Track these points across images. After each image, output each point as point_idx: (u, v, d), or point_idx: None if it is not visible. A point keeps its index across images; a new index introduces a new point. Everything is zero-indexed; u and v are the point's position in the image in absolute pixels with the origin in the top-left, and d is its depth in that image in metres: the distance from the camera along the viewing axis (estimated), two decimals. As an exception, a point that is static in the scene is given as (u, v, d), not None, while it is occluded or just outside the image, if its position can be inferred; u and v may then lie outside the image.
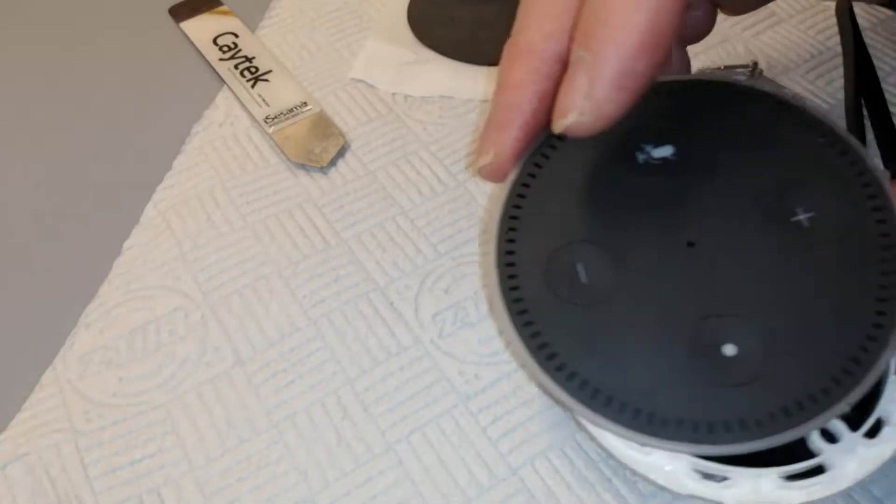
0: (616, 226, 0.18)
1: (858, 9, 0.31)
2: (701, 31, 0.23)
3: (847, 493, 0.20)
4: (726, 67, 0.31)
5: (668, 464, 0.17)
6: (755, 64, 0.30)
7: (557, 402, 0.21)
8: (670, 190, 0.18)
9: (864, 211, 0.17)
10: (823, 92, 0.29)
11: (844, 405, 0.16)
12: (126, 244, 0.27)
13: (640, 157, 0.19)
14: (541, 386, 0.22)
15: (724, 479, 0.17)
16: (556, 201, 0.19)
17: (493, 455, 0.21)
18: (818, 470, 0.17)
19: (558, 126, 0.17)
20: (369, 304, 0.25)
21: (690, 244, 0.18)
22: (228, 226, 0.27)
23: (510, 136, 0.19)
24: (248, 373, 0.23)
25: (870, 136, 0.27)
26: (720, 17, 0.24)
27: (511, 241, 0.19)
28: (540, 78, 0.18)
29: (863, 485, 0.17)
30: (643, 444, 0.17)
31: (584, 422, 0.18)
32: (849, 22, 0.29)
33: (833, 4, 0.32)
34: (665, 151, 0.19)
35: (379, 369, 0.23)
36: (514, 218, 0.19)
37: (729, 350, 0.17)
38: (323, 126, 0.30)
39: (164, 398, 0.23)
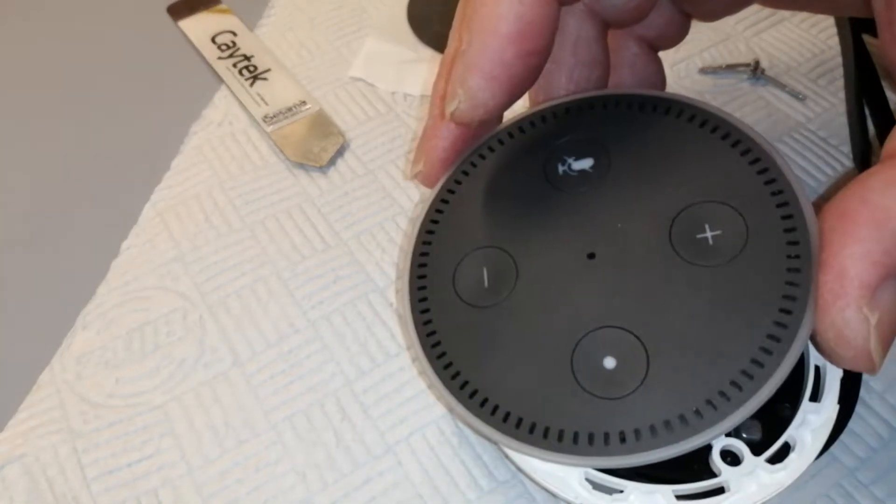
0: (524, 234, 0.19)
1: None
2: (669, 36, 0.22)
3: (848, 493, 0.20)
4: (728, 66, 0.31)
5: (561, 471, 0.17)
6: (757, 63, 0.30)
7: (451, 411, 0.21)
8: (582, 202, 0.18)
9: (773, 229, 0.16)
10: (825, 91, 0.29)
11: (725, 425, 0.15)
12: (124, 245, 0.27)
13: (560, 169, 0.19)
14: (433, 390, 0.22)
15: (619, 491, 0.17)
16: (474, 208, 0.19)
17: (493, 457, 0.21)
18: (719, 491, 0.17)
19: (446, 114, 0.18)
20: (368, 305, 0.24)
21: (591, 256, 0.18)
22: (227, 226, 0.27)
23: (438, 147, 0.20)
24: (246, 374, 0.23)
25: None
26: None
27: (427, 243, 0.19)
28: None
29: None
30: (517, 451, 0.17)
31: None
32: (847, 24, 0.29)
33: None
34: (584, 164, 0.19)
35: (378, 370, 0.23)
36: (435, 222, 0.20)
37: (609, 363, 0.16)
38: (322, 125, 0.29)
39: (162, 399, 0.23)
